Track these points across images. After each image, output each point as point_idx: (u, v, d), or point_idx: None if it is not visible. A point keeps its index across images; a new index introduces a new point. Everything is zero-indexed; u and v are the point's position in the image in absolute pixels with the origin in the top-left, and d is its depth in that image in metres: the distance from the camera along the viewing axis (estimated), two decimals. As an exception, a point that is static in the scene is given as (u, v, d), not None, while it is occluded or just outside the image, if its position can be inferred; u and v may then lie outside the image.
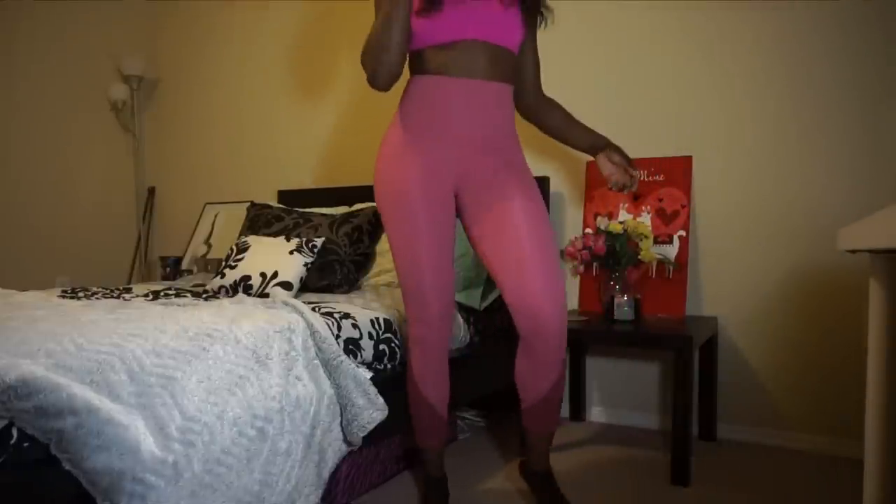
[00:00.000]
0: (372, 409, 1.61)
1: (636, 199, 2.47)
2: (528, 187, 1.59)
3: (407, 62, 1.63)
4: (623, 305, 2.16)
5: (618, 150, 1.72)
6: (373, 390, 1.63)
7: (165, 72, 3.88)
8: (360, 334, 1.76)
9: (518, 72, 1.72)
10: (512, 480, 1.97)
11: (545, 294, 1.50)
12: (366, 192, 2.99)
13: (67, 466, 1.07)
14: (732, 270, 2.35)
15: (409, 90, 1.59)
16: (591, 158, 2.59)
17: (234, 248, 2.33)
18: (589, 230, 2.50)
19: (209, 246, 3.31)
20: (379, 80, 1.48)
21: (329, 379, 1.59)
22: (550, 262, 1.53)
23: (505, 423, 2.57)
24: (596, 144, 1.74)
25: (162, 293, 2.19)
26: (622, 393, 2.54)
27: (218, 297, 2.08)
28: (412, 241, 1.57)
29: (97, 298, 2.01)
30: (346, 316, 1.77)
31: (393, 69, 1.47)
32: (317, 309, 1.79)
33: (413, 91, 1.58)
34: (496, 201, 1.57)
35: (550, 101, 1.77)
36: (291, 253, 2.20)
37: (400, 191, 1.56)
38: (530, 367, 1.56)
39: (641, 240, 2.24)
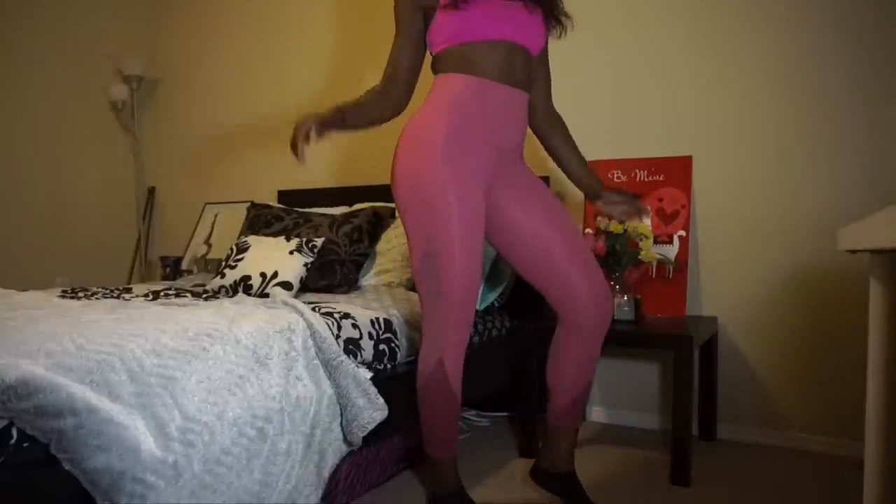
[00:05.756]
0: (372, 410, 1.61)
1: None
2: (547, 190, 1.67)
3: (433, 57, 1.61)
4: (623, 305, 2.16)
5: (614, 190, 1.73)
6: (373, 390, 1.63)
7: (165, 72, 3.88)
8: (360, 334, 1.76)
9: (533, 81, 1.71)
10: (512, 480, 1.97)
11: (605, 288, 1.62)
12: (366, 192, 2.99)
13: (67, 466, 1.07)
14: (732, 270, 2.35)
15: (447, 86, 1.54)
16: (590, 159, 2.59)
17: (234, 248, 2.33)
18: (589, 230, 2.50)
19: (209, 246, 3.31)
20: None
21: (329, 379, 1.59)
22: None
23: (505, 423, 2.57)
24: (590, 186, 1.75)
25: (162, 293, 2.19)
26: (622, 393, 2.54)
27: (218, 297, 2.08)
28: (447, 239, 1.48)
29: (97, 298, 2.01)
30: (346, 316, 1.77)
31: (392, 118, 1.65)
32: (317, 309, 1.79)
33: (454, 89, 1.53)
34: (536, 201, 1.60)
35: (559, 120, 1.76)
36: (291, 253, 2.20)
37: (435, 188, 1.48)
38: (574, 357, 1.62)
39: (641, 240, 2.24)
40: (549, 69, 1.73)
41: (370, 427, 1.60)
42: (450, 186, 1.48)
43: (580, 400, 1.67)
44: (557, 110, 2.69)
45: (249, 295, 2.15)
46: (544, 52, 1.71)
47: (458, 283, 1.49)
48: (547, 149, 1.77)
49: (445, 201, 1.48)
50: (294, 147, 1.52)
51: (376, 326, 1.83)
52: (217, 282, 2.25)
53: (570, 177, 1.77)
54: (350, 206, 2.80)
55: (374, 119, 1.63)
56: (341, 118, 1.59)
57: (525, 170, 1.65)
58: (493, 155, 1.56)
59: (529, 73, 1.59)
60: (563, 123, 1.77)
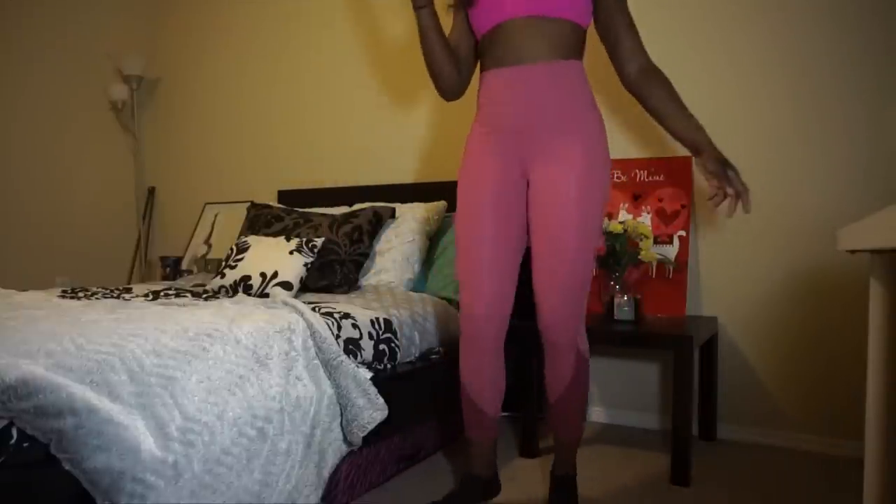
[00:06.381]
0: (372, 410, 1.61)
1: (636, 199, 2.46)
2: (585, 176, 1.50)
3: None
4: (623, 305, 2.16)
5: (715, 158, 1.45)
6: (373, 390, 1.63)
7: (165, 72, 3.88)
8: (360, 334, 1.76)
9: (607, 41, 1.58)
10: (512, 480, 1.97)
11: (560, 305, 1.54)
12: (366, 192, 2.99)
13: (67, 466, 1.07)
14: (732, 270, 2.35)
15: (479, 86, 1.64)
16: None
17: (234, 248, 2.33)
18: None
19: (209, 246, 3.31)
20: (446, 98, 1.69)
21: (329, 379, 1.59)
22: (575, 277, 1.53)
23: (505, 423, 2.57)
24: (693, 141, 1.49)
25: (162, 293, 2.19)
26: (622, 393, 2.54)
27: (218, 297, 2.08)
28: (476, 236, 1.58)
29: (97, 298, 2.01)
30: (346, 316, 1.77)
31: (450, 90, 1.66)
32: (317, 309, 1.79)
33: (480, 87, 1.63)
34: (554, 202, 1.52)
35: (655, 75, 1.54)
36: (291, 253, 2.20)
37: (472, 185, 1.59)
38: (547, 368, 1.64)
39: (641, 240, 2.24)
40: (626, 26, 1.55)
41: (370, 427, 1.60)
42: (482, 189, 1.58)
43: (563, 413, 1.64)
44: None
45: (249, 295, 2.15)
46: (604, 12, 1.55)
47: (476, 273, 1.58)
48: (646, 109, 1.58)
49: (477, 204, 1.58)
50: None
51: (376, 326, 1.83)
52: (217, 282, 2.25)
53: (669, 129, 1.55)
54: (350, 206, 2.80)
55: (437, 50, 1.60)
56: (435, 16, 1.58)
57: (563, 153, 1.51)
58: (517, 141, 1.56)
59: (552, 41, 1.49)
60: (663, 79, 1.54)
